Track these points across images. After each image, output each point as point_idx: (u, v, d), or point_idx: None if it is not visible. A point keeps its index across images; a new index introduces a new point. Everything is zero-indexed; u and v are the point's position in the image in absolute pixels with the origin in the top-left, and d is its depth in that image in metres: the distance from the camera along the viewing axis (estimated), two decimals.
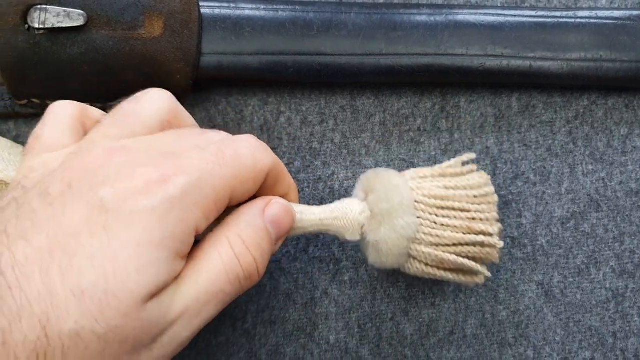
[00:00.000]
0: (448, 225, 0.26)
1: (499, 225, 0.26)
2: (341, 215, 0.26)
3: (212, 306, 0.22)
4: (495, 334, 0.30)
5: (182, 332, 0.22)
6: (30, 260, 0.19)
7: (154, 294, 0.20)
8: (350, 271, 0.31)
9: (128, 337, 0.20)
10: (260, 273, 0.24)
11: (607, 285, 0.31)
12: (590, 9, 0.33)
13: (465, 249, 0.26)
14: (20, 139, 0.31)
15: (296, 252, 0.31)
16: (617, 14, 0.32)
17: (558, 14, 0.32)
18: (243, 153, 0.24)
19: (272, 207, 0.24)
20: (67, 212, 0.20)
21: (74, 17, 0.28)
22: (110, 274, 0.19)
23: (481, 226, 0.26)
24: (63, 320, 0.19)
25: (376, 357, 0.30)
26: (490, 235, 0.26)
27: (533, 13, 0.32)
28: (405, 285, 0.31)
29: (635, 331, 0.31)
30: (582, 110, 0.33)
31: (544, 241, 0.31)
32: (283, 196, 0.26)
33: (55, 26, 0.28)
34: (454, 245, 0.26)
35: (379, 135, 0.32)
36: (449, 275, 0.26)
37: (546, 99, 0.33)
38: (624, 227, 0.32)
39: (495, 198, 0.27)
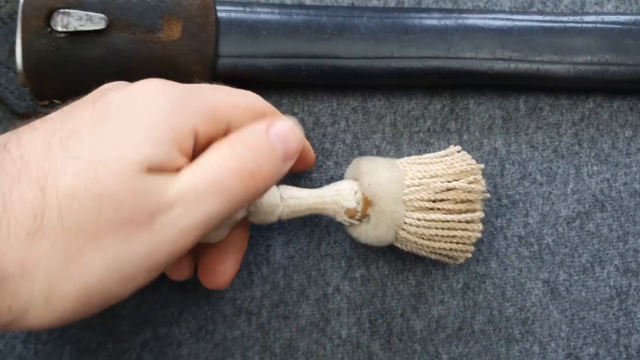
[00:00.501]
0: (433, 220, 0.27)
1: (480, 226, 0.28)
2: (332, 199, 0.28)
3: (212, 198, 0.22)
4: (502, 330, 0.31)
5: (182, 219, 0.21)
6: (34, 138, 0.21)
7: (151, 169, 0.21)
8: (362, 268, 0.32)
9: (123, 204, 0.20)
10: (265, 178, 0.23)
11: (611, 283, 0.32)
12: (596, 13, 0.33)
13: (447, 238, 0.28)
14: None
15: (309, 249, 0.32)
16: (622, 18, 0.33)
17: (565, 18, 0.33)
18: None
19: (277, 124, 0.24)
20: (76, 111, 0.22)
21: (96, 21, 0.29)
22: (110, 144, 0.21)
23: (463, 224, 0.28)
24: (60, 180, 0.20)
25: (387, 351, 0.31)
26: (474, 222, 0.28)
27: (540, 17, 0.33)
28: (415, 283, 0.32)
29: (639, 328, 0.32)
30: (587, 113, 0.34)
31: (550, 240, 0.32)
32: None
33: (77, 29, 0.29)
34: (439, 229, 0.28)
35: (389, 136, 0.33)
36: (432, 256, 0.29)
37: (553, 101, 0.34)
38: (627, 226, 0.32)
39: (481, 192, 0.28)
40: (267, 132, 0.24)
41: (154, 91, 0.23)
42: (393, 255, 0.32)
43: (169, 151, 0.22)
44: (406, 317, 0.31)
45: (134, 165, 0.21)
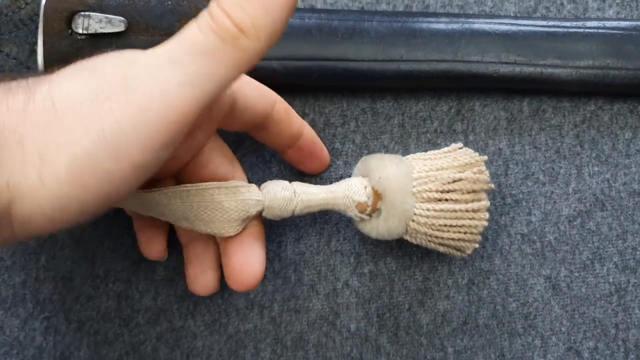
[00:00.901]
0: (441, 210, 0.28)
1: (486, 215, 0.29)
2: (343, 194, 0.29)
3: (191, 58, 0.21)
4: (505, 324, 0.32)
5: (160, 80, 0.21)
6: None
7: None
8: (370, 264, 0.33)
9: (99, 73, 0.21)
10: (257, 28, 0.21)
11: (610, 280, 0.33)
12: (598, 19, 0.35)
13: (455, 228, 0.29)
14: None
15: (319, 245, 0.33)
16: (623, 24, 0.34)
17: (568, 23, 0.34)
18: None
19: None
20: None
21: (115, 24, 0.30)
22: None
23: (470, 214, 0.29)
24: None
25: (394, 344, 0.32)
26: (477, 220, 0.29)
27: (544, 23, 0.34)
28: (422, 278, 0.33)
29: (636, 323, 0.33)
30: (589, 115, 0.35)
31: (551, 238, 0.33)
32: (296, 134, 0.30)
33: (97, 32, 0.30)
34: (447, 219, 0.29)
35: (397, 136, 0.34)
36: (440, 248, 0.30)
37: (555, 103, 0.35)
38: (626, 225, 0.34)
39: (486, 182, 0.29)
40: None
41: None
42: (400, 251, 0.33)
43: None
44: (413, 311, 0.32)
45: None
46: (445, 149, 0.31)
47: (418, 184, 0.28)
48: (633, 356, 0.33)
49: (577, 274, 0.33)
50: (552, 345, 0.32)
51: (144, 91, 0.21)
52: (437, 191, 0.29)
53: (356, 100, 0.34)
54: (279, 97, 0.29)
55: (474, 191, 0.29)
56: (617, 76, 0.34)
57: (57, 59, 0.30)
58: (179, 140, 0.22)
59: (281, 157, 0.32)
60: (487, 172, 0.30)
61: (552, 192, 0.34)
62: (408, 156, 0.30)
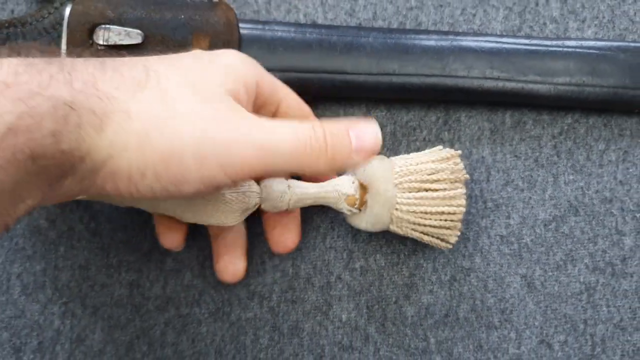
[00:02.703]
0: (422, 198, 0.31)
1: (463, 202, 0.32)
2: (332, 188, 0.32)
3: (277, 145, 0.26)
4: (483, 318, 0.36)
5: (248, 137, 0.26)
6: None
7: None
8: (361, 260, 0.36)
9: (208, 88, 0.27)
10: (329, 156, 0.27)
11: (581, 280, 0.36)
12: (577, 39, 0.37)
13: (436, 215, 0.32)
14: None
15: (315, 242, 0.36)
16: (599, 44, 0.37)
17: (548, 42, 0.37)
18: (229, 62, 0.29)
19: (358, 124, 0.29)
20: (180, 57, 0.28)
21: (133, 36, 0.33)
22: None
23: (448, 201, 0.32)
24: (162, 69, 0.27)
25: (381, 334, 0.35)
26: (455, 207, 0.32)
27: (527, 41, 0.37)
28: (408, 274, 0.36)
29: (603, 319, 0.36)
30: (566, 127, 0.38)
31: (528, 240, 0.36)
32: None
33: (116, 43, 0.33)
34: (428, 206, 0.31)
35: (389, 143, 0.37)
36: (424, 237, 0.32)
37: (535, 116, 0.38)
38: (597, 229, 0.37)
39: (462, 172, 0.32)
40: (346, 128, 0.28)
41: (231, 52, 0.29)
42: (389, 249, 0.36)
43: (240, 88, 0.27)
44: (399, 304, 0.35)
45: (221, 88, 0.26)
46: (425, 150, 0.34)
47: (399, 175, 0.31)
48: (599, 349, 0.36)
49: (550, 274, 0.36)
50: (525, 338, 0.36)
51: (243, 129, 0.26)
52: (417, 181, 0.32)
53: (352, 110, 0.37)
54: (312, 113, 0.33)
55: (451, 181, 0.32)
56: (592, 93, 0.36)
57: None
58: None
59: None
60: (462, 164, 0.33)
61: (530, 197, 0.37)
62: (392, 157, 0.33)
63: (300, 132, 0.27)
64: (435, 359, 0.35)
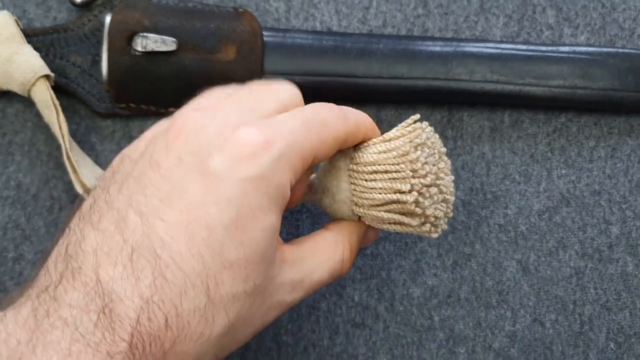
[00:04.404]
0: (374, 188, 0.29)
1: (411, 181, 0.29)
2: None
3: (308, 289, 0.28)
4: (482, 298, 0.39)
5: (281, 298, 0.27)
6: (175, 238, 0.23)
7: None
8: (372, 246, 0.39)
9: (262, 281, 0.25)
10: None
11: (571, 265, 0.40)
12: (570, 45, 0.41)
13: (393, 206, 0.29)
14: (116, 134, 0.39)
15: None
16: (591, 50, 0.40)
17: (544, 48, 0.40)
18: (329, 122, 0.27)
19: (369, 233, 0.33)
20: (187, 187, 0.23)
21: (168, 43, 0.37)
22: (248, 233, 0.24)
23: (398, 185, 0.29)
24: (221, 286, 0.23)
25: (390, 313, 0.39)
26: (404, 192, 0.29)
27: (524, 47, 0.40)
28: (414, 259, 0.39)
29: (591, 300, 0.40)
30: (559, 126, 0.41)
31: (524, 228, 0.40)
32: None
33: (153, 50, 0.36)
34: (383, 204, 0.29)
35: None
36: (398, 228, 0.30)
37: (532, 115, 0.41)
38: (587, 219, 0.40)
39: (413, 157, 0.29)
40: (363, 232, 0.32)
41: (257, 157, 0.24)
42: (397, 237, 0.40)
43: (277, 223, 0.25)
44: (406, 286, 0.39)
45: (268, 249, 0.25)
46: (402, 131, 0.31)
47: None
48: (587, 327, 0.39)
49: (543, 259, 0.40)
50: (520, 317, 0.39)
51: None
52: (366, 163, 0.30)
53: (363, 109, 0.40)
54: (357, 126, 0.32)
55: (397, 160, 0.29)
56: (584, 95, 0.40)
57: (119, 72, 0.37)
58: None
59: None
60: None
61: (526, 190, 0.40)
62: (352, 152, 0.31)
63: (333, 268, 0.29)
64: (438, 335, 0.39)
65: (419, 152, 0.29)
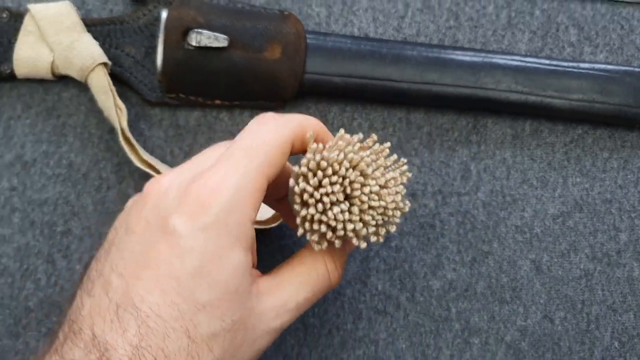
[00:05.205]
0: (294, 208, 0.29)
1: (302, 212, 0.28)
2: None
3: (294, 310, 0.30)
4: (497, 294, 0.42)
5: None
6: (151, 292, 0.26)
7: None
8: (396, 240, 0.42)
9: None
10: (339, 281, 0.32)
11: (581, 267, 0.43)
12: (590, 62, 0.44)
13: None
14: (163, 122, 0.42)
15: None
16: (609, 67, 0.43)
17: (565, 63, 0.43)
18: (268, 139, 0.28)
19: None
20: (155, 247, 0.27)
21: (220, 40, 0.39)
22: (213, 275, 0.26)
23: (298, 211, 0.28)
24: (199, 327, 0.26)
25: (411, 302, 0.42)
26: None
27: (547, 62, 0.43)
28: (436, 254, 0.42)
29: (598, 301, 0.42)
30: (576, 137, 0.44)
31: (538, 230, 0.43)
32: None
33: (206, 45, 0.39)
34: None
35: (425, 142, 0.43)
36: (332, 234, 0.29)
37: (551, 126, 0.44)
38: (598, 225, 0.43)
39: (297, 190, 0.28)
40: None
41: (208, 207, 0.26)
42: (421, 232, 0.42)
43: (247, 258, 0.27)
44: (427, 278, 0.42)
45: (239, 278, 0.27)
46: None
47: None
48: (593, 326, 0.42)
49: (555, 260, 0.43)
50: (532, 313, 0.42)
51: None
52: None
53: (395, 111, 0.43)
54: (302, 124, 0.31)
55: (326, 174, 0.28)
56: (601, 109, 0.43)
57: (173, 64, 0.40)
58: None
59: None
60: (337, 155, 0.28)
61: (542, 195, 0.43)
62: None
63: (317, 284, 0.30)
64: (455, 326, 0.42)
65: (302, 184, 0.28)
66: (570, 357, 0.42)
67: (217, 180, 0.27)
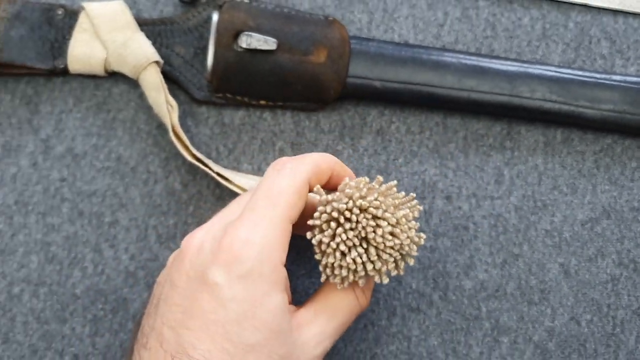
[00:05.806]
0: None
1: (322, 261, 0.31)
2: None
3: (333, 336, 0.32)
4: (526, 295, 0.44)
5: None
6: (201, 340, 0.28)
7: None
8: (430, 240, 0.44)
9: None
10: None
11: (608, 272, 0.44)
12: (622, 74, 0.45)
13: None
14: (210, 120, 0.44)
15: None
16: None
17: (598, 75, 0.45)
18: (282, 185, 0.31)
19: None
20: (198, 298, 0.29)
21: (270, 43, 0.41)
22: (257, 318, 0.28)
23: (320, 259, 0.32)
24: None
25: (443, 301, 0.43)
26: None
27: (580, 73, 0.45)
28: (469, 255, 0.44)
29: (624, 305, 0.44)
30: (606, 146, 0.46)
31: (567, 235, 0.44)
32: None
33: (256, 48, 0.41)
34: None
35: (461, 146, 0.45)
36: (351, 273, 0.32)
37: (581, 135, 0.46)
38: (625, 232, 0.45)
39: (314, 241, 0.31)
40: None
41: (244, 256, 0.29)
42: (455, 233, 0.44)
43: (284, 299, 0.30)
44: (459, 278, 0.43)
45: (281, 321, 0.30)
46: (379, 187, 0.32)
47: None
48: (618, 330, 0.44)
49: (583, 264, 0.44)
50: (559, 314, 0.44)
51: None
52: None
53: (432, 115, 0.45)
54: (318, 163, 0.33)
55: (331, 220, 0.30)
56: (631, 120, 0.44)
57: (223, 65, 0.41)
58: None
59: None
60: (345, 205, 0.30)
61: (572, 201, 0.45)
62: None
63: (349, 309, 0.33)
64: (485, 325, 0.43)
65: (318, 236, 0.31)
66: (595, 359, 0.43)
67: (247, 232, 0.29)
